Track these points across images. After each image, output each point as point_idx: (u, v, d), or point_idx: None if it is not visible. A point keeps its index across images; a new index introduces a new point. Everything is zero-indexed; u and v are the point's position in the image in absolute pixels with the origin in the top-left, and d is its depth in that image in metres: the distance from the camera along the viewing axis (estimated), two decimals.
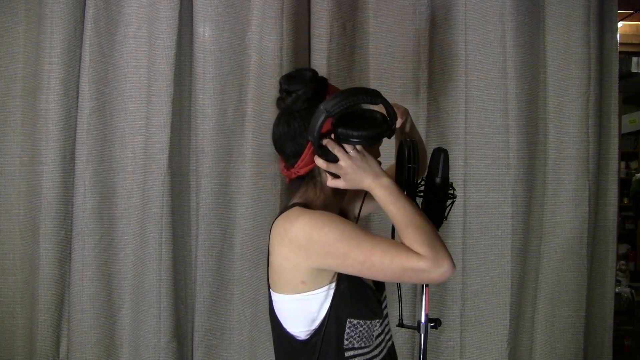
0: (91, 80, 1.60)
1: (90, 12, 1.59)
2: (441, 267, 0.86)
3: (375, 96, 0.95)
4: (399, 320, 1.19)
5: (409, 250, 0.88)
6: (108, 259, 1.66)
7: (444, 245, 0.90)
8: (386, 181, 0.96)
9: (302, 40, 1.69)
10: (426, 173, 1.12)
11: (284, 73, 1.60)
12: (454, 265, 0.88)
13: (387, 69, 1.72)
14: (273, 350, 1.60)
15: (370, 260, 0.89)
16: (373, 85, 1.73)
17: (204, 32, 1.63)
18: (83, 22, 1.61)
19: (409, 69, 1.70)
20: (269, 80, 1.62)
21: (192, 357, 1.70)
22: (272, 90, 1.61)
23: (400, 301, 1.19)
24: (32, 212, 1.63)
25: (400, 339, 1.68)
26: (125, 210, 1.67)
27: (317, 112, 0.92)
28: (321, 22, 1.66)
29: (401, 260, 0.87)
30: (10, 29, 1.66)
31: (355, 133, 0.94)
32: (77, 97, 1.62)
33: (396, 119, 1.01)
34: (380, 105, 0.97)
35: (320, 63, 1.66)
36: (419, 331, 1.17)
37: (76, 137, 1.62)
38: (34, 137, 1.61)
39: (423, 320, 1.16)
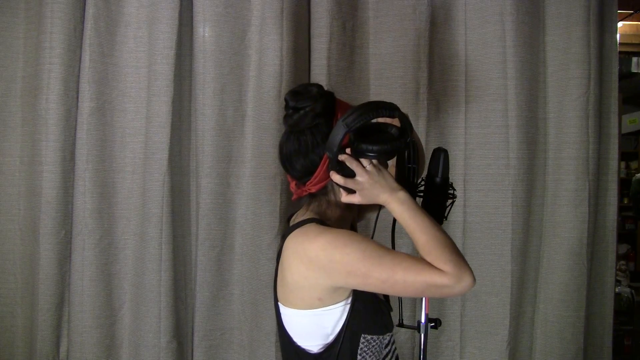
0: (91, 80, 1.60)
1: (90, 12, 1.59)
2: (463, 282, 0.86)
3: (393, 110, 0.94)
4: (399, 320, 1.19)
5: (431, 266, 0.87)
6: (108, 259, 1.66)
7: (464, 258, 0.89)
8: (403, 195, 0.95)
9: (302, 40, 1.69)
10: (426, 173, 1.12)
11: (284, 73, 1.62)
12: (474, 278, 0.87)
13: (387, 69, 1.72)
14: (273, 351, 1.61)
15: (393, 279, 0.87)
16: (373, 85, 1.74)
17: (204, 32, 1.63)
18: (83, 22, 1.61)
19: (409, 69, 1.69)
20: (269, 80, 1.62)
21: (192, 357, 1.70)
22: (272, 90, 1.61)
23: (400, 301, 1.19)
24: (32, 212, 1.63)
25: (400, 339, 1.68)
26: (125, 210, 1.67)
27: (337, 127, 0.91)
28: (321, 22, 1.65)
29: (424, 277, 0.86)
30: (10, 29, 1.65)
31: (374, 147, 0.93)
32: (77, 97, 1.62)
33: (412, 132, 1.00)
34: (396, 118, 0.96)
35: (320, 63, 1.65)
36: (419, 331, 1.17)
37: (76, 137, 1.62)
38: (34, 137, 1.61)
39: (423, 320, 1.17)
